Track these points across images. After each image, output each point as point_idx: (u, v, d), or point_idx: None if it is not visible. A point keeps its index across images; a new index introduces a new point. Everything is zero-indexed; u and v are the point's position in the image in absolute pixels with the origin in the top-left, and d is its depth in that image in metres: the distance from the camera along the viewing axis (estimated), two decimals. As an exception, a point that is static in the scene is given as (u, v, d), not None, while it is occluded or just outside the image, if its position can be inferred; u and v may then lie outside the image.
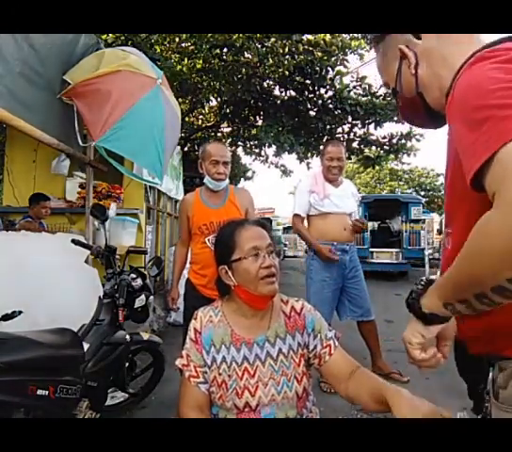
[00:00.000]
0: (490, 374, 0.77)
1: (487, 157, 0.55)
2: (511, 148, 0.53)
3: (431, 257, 8.60)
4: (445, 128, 0.77)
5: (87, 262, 2.37)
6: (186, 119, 7.97)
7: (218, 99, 7.75)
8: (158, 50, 6.34)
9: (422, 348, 0.76)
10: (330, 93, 6.93)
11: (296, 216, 2.87)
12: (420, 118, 0.90)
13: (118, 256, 2.13)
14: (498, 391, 0.72)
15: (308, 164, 8.18)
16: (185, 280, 2.24)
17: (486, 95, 0.58)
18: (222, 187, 2.16)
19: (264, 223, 1.24)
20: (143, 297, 2.08)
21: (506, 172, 0.53)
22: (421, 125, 0.96)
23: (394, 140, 7.60)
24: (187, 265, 2.32)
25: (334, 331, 1.24)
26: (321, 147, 6.38)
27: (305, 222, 2.98)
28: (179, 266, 2.32)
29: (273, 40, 6.10)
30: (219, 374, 1.13)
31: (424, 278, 0.79)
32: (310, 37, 6.23)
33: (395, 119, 7.29)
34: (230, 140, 8.66)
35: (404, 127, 7.79)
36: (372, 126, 7.13)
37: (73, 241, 2.05)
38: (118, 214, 3.31)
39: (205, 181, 2.17)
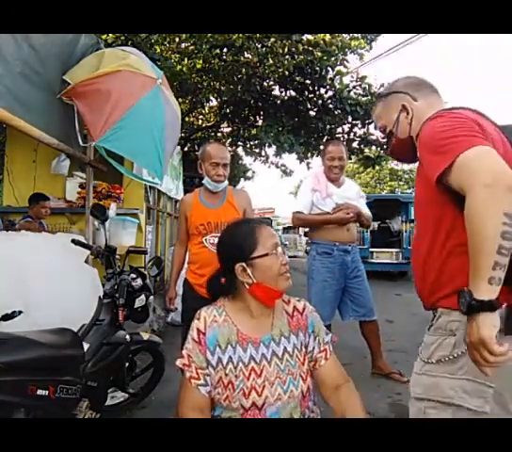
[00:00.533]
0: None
1: (451, 161, 0.89)
2: (463, 156, 0.87)
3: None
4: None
5: (87, 262, 2.37)
6: (186, 119, 7.97)
7: (218, 99, 7.75)
8: (158, 50, 6.34)
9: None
10: (330, 93, 6.93)
11: (297, 213, 2.79)
12: (406, 153, 1.21)
13: (118, 256, 2.13)
14: (430, 326, 1.05)
15: (308, 164, 8.19)
16: (183, 280, 2.24)
17: (441, 134, 0.95)
18: (221, 188, 2.16)
19: (270, 223, 1.25)
20: (143, 297, 2.08)
21: (462, 172, 0.87)
22: (404, 159, 1.30)
23: (394, 140, 7.59)
24: (185, 265, 2.32)
25: (331, 335, 1.25)
26: (321, 147, 6.39)
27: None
28: (177, 267, 2.32)
29: (273, 40, 6.10)
30: (226, 374, 1.12)
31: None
32: (309, 37, 6.23)
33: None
34: (230, 140, 8.66)
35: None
36: (372, 126, 7.13)
37: (73, 241, 2.05)
38: (118, 214, 3.31)
39: (204, 182, 2.17)
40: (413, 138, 1.14)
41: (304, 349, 1.19)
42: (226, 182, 2.18)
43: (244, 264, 1.13)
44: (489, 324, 0.83)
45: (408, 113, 1.16)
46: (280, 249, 1.16)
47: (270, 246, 1.14)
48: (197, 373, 1.13)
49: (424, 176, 1.01)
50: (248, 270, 1.13)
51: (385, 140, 1.26)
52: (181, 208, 2.25)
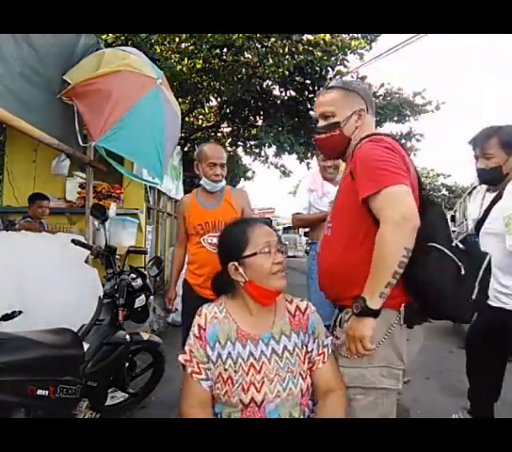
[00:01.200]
0: (339, 315, 1.25)
1: (377, 190, 1.05)
2: (388, 190, 1.04)
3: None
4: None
5: (87, 262, 2.37)
6: (186, 119, 7.97)
7: (218, 99, 7.75)
8: (158, 50, 6.33)
9: None
10: (330, 93, 6.91)
11: (295, 214, 2.83)
12: (335, 149, 1.31)
13: (118, 256, 2.13)
14: (343, 323, 1.20)
15: (308, 164, 8.19)
16: (182, 281, 2.25)
17: (377, 163, 1.09)
18: (219, 188, 2.17)
19: (270, 223, 1.26)
20: (143, 297, 2.08)
21: (384, 202, 1.04)
22: (326, 153, 1.42)
23: (394, 140, 7.60)
24: (185, 265, 2.32)
25: (330, 338, 1.25)
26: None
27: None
28: (176, 267, 2.32)
29: (273, 40, 6.10)
30: (225, 369, 1.14)
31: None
32: (310, 37, 6.22)
33: (395, 119, 7.28)
34: (230, 140, 8.66)
35: (404, 127, 7.80)
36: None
37: (73, 241, 2.05)
38: (118, 214, 3.31)
39: (202, 182, 2.18)
40: (348, 141, 1.25)
41: (305, 348, 1.20)
42: (224, 181, 2.18)
43: (236, 263, 1.15)
44: (370, 326, 1.06)
45: (359, 118, 1.24)
46: (274, 248, 1.16)
47: (261, 245, 1.15)
48: (198, 367, 1.15)
49: (352, 187, 1.15)
50: (240, 269, 1.15)
51: (322, 126, 1.27)
52: (180, 209, 2.26)
